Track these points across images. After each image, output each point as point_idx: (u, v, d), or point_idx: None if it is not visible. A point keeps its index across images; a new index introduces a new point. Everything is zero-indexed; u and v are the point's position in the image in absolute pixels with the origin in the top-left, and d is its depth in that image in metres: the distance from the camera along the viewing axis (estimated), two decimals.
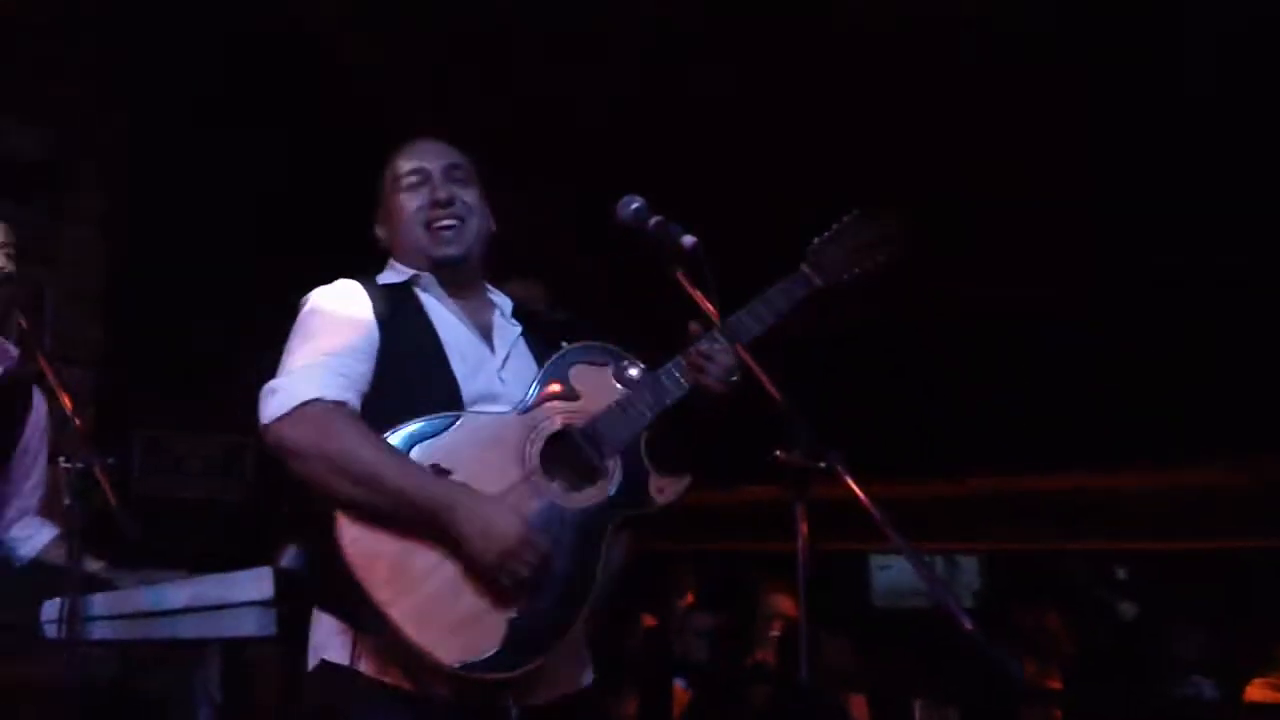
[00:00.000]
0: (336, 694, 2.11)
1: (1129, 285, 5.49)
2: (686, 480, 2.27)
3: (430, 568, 2.05)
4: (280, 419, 2.07)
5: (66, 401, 2.61)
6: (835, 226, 2.40)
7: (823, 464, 2.01)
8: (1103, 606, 7.45)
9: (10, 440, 3.00)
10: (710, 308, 2.18)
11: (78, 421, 2.53)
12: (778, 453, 2.11)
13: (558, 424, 2.22)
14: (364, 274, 2.36)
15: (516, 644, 2.04)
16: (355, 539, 2.03)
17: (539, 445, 2.19)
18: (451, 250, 2.34)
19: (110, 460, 2.44)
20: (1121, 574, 7.83)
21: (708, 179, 4.83)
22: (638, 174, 2.36)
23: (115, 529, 2.96)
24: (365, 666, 2.08)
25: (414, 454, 2.11)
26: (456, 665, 2.00)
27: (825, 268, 2.36)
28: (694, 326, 2.25)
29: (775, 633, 4.65)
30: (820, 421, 1.99)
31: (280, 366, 2.19)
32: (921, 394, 5.54)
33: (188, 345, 5.00)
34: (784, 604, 4.76)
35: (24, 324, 2.84)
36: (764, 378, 2.14)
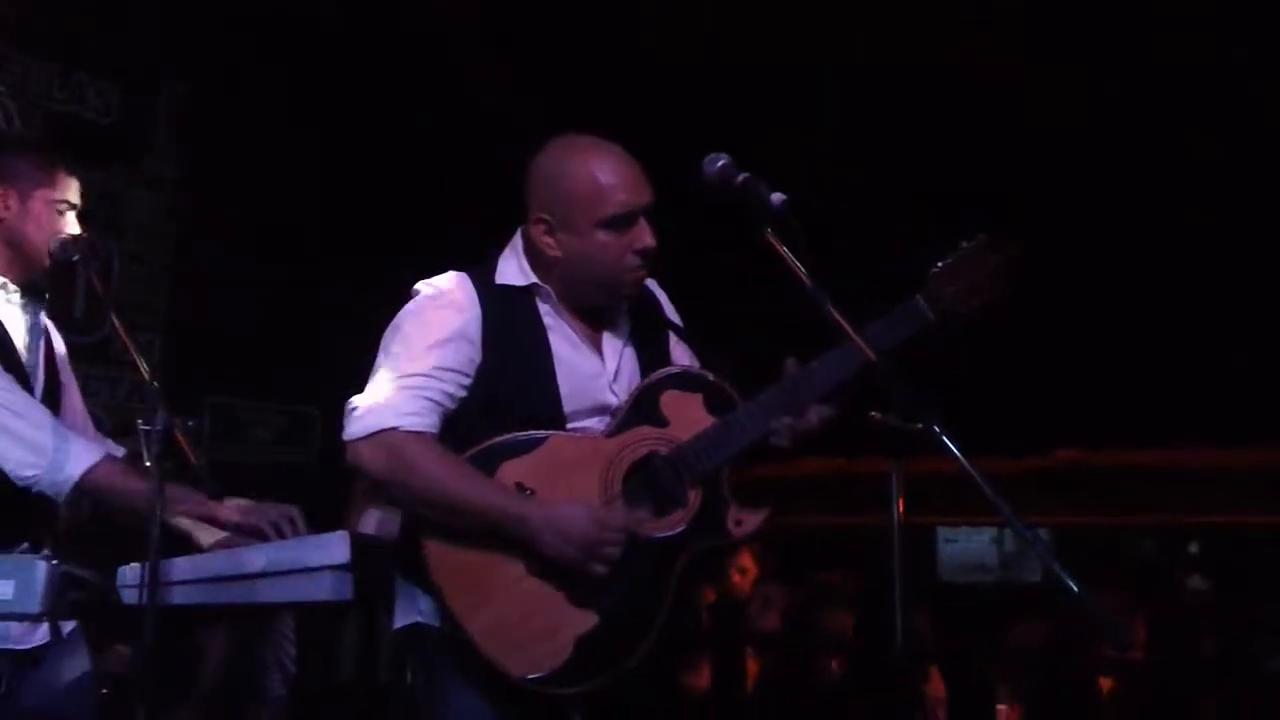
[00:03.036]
0: (427, 652, 2.19)
1: (1206, 261, 5.40)
2: (765, 514, 2.25)
3: (507, 585, 2.11)
4: (359, 442, 2.12)
5: (142, 365, 2.59)
6: (955, 255, 2.30)
7: (919, 425, 1.96)
8: (1174, 581, 7.34)
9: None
10: (800, 268, 2.12)
11: (155, 384, 2.50)
12: (873, 414, 2.07)
13: (643, 451, 2.22)
14: (477, 264, 2.31)
15: (580, 665, 2.09)
16: (437, 548, 2.11)
17: (622, 471, 2.20)
18: (633, 292, 2.32)
19: (189, 422, 2.43)
20: (1193, 548, 7.71)
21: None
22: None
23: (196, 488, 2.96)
24: (452, 628, 2.13)
25: (500, 472, 2.14)
26: (521, 678, 2.06)
27: (941, 301, 2.27)
28: (790, 366, 2.22)
29: (844, 604, 4.62)
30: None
31: (372, 371, 2.19)
32: (1001, 366, 5.47)
33: (254, 313, 5.00)
34: (850, 577, 4.74)
35: (97, 285, 2.79)
36: (858, 340, 2.09)
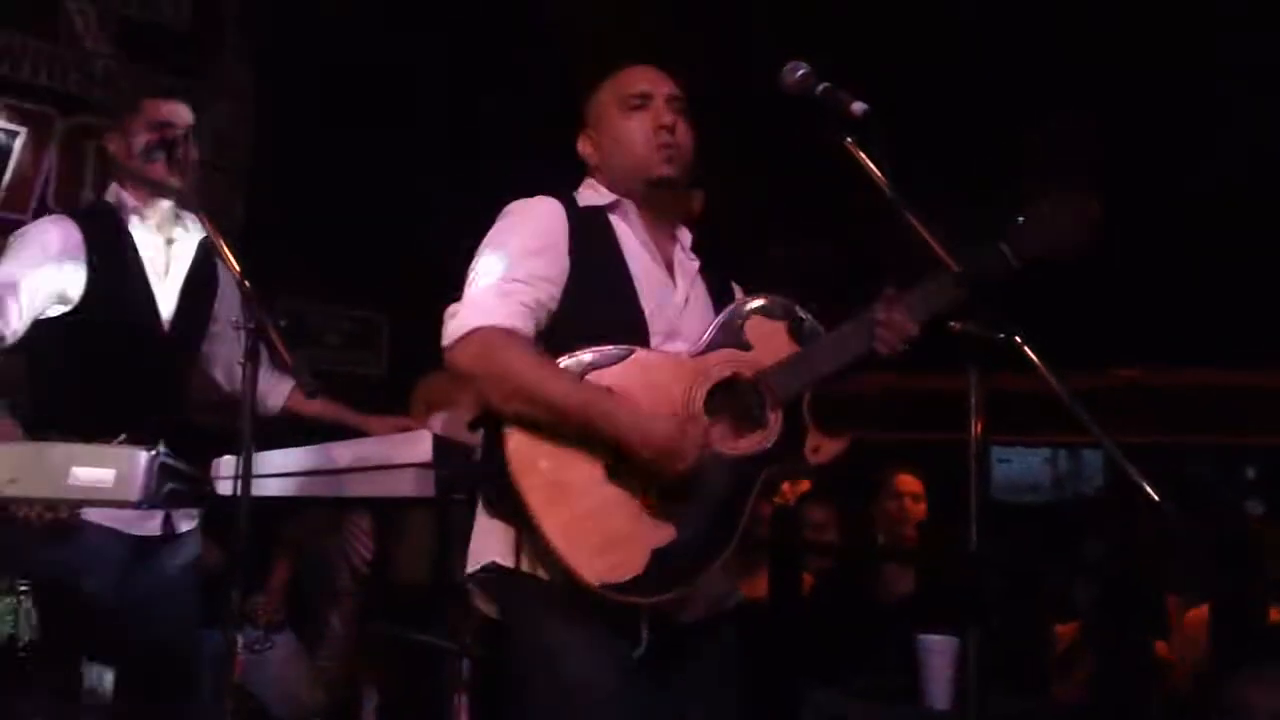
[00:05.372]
0: (502, 593, 2.24)
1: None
2: (845, 442, 2.29)
3: (586, 487, 2.13)
4: (455, 343, 2.16)
5: (235, 267, 2.68)
6: (1036, 207, 2.29)
7: (1001, 336, 2.00)
8: (1230, 503, 7.31)
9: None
10: (881, 177, 2.15)
11: (246, 284, 2.58)
12: (953, 324, 2.10)
13: (726, 372, 2.25)
14: (562, 189, 2.38)
15: (656, 575, 2.11)
16: (518, 448, 2.12)
17: (704, 390, 2.23)
18: (672, 170, 2.36)
19: (281, 321, 2.51)
20: (1250, 473, 7.67)
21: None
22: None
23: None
24: (526, 566, 2.17)
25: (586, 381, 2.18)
26: (596, 584, 2.08)
27: (1025, 249, 2.27)
28: (889, 293, 2.25)
29: (913, 521, 4.67)
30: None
31: (468, 280, 2.24)
32: (1060, 283, 5.43)
33: (327, 219, 5.05)
34: (912, 486, 4.78)
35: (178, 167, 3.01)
36: (938, 248, 2.11)
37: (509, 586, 2.22)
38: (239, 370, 2.47)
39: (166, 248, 3.09)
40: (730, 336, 2.28)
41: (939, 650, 2.86)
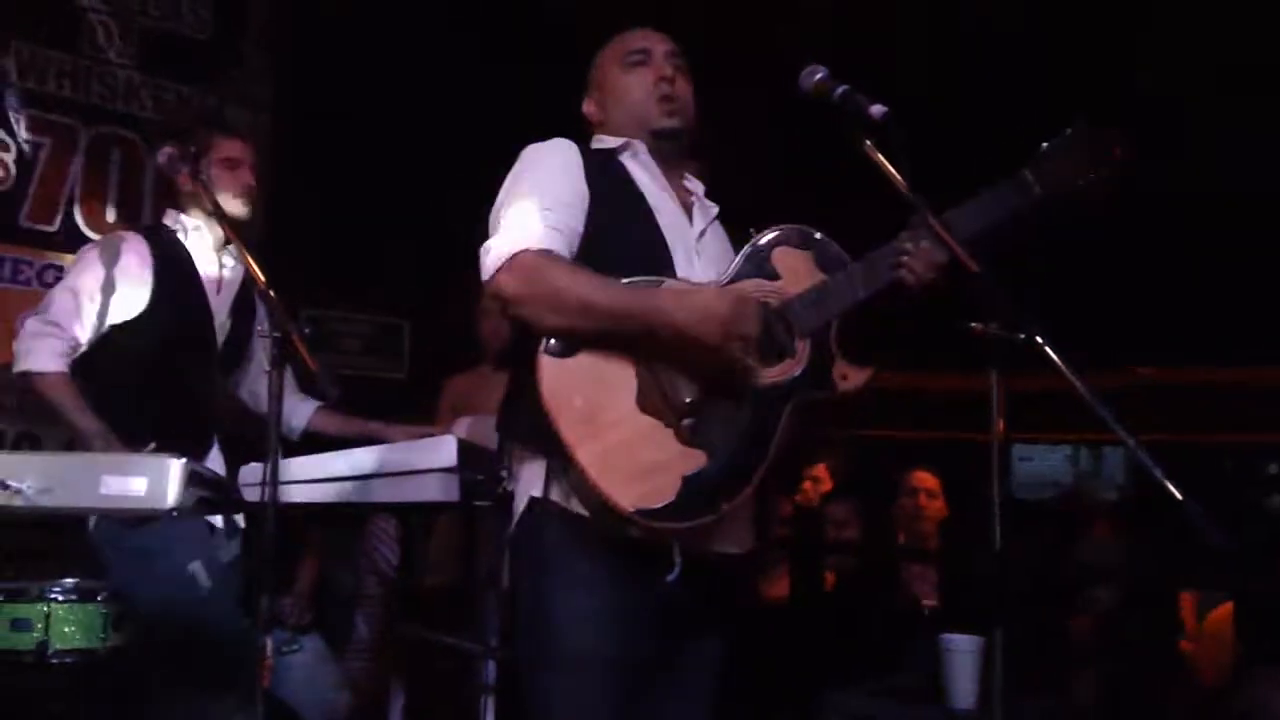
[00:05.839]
0: (535, 524, 2.24)
1: None
2: (870, 371, 2.29)
3: (621, 416, 2.13)
4: (496, 273, 2.17)
5: (258, 275, 2.71)
6: (1060, 137, 2.30)
7: (1022, 336, 2.00)
8: (1254, 501, 7.30)
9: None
10: (900, 179, 2.16)
11: (271, 292, 2.61)
12: (974, 325, 2.11)
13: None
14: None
15: (689, 500, 2.12)
16: (553, 380, 2.12)
17: None
18: (674, 122, 2.40)
19: (306, 330, 2.54)
20: (1273, 469, 7.66)
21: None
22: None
23: (315, 393, 3.11)
24: (557, 496, 2.19)
25: None
26: (631, 510, 2.09)
27: (1047, 178, 2.27)
28: (915, 220, 2.24)
29: (931, 518, 4.68)
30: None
31: (492, 218, 2.26)
32: (1080, 282, 5.43)
33: (347, 226, 5.09)
34: (927, 483, 4.79)
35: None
36: (958, 249, 2.12)
37: (538, 522, 2.23)
38: (263, 390, 2.54)
39: (220, 269, 3.33)
40: (757, 266, 2.30)
41: (963, 649, 2.87)
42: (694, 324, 2.10)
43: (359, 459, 2.90)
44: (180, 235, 3.30)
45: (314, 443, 3.32)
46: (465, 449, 2.84)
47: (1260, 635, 4.19)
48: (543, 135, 2.39)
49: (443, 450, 2.80)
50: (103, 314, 3.12)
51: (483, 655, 3.25)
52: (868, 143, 2.18)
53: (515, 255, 2.16)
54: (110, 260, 3.15)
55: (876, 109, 2.16)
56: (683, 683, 2.32)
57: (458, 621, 3.63)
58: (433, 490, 2.81)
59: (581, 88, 2.55)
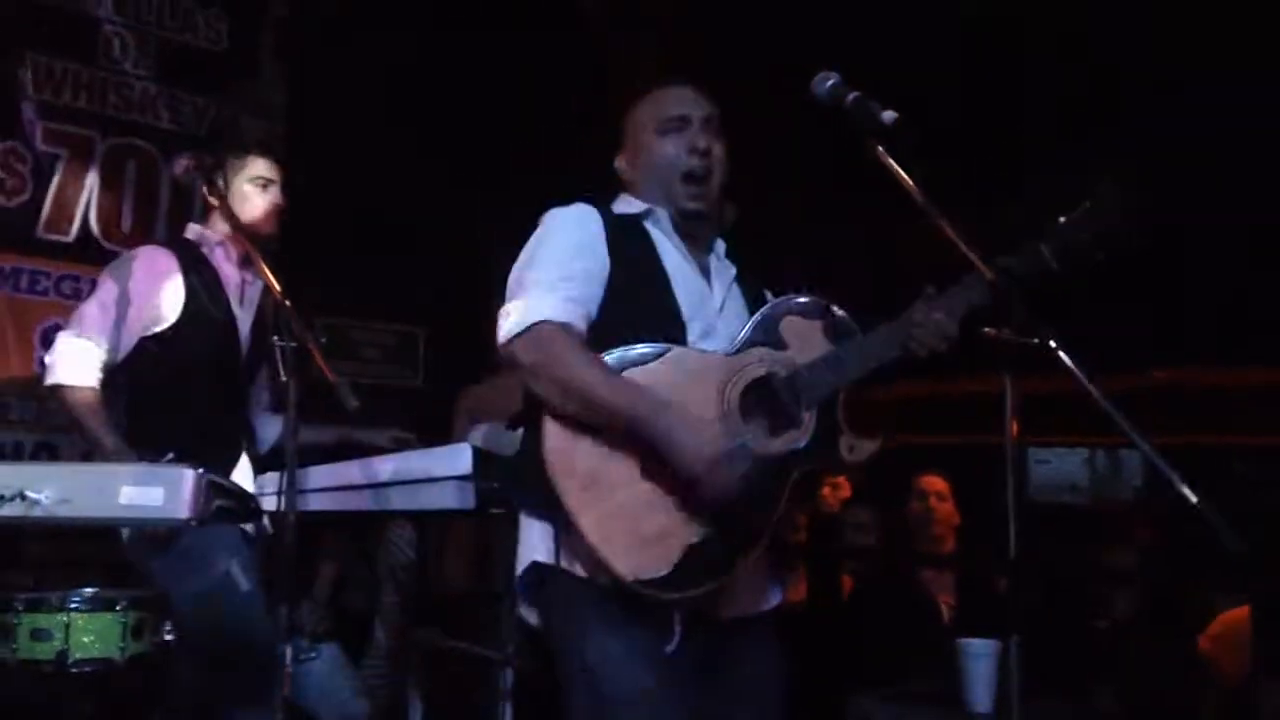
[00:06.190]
0: (542, 594, 2.28)
1: None
2: (878, 443, 2.30)
3: (622, 483, 2.15)
4: (512, 340, 2.19)
5: (275, 284, 2.73)
6: (1084, 207, 2.29)
7: (1036, 340, 2.00)
8: (1272, 504, 7.24)
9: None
10: (911, 185, 2.16)
11: (289, 303, 2.63)
12: (987, 330, 2.11)
13: (761, 370, 2.27)
14: (599, 198, 2.43)
15: (687, 569, 2.14)
16: (557, 447, 2.16)
17: (740, 388, 2.25)
18: (697, 205, 2.40)
19: (322, 339, 2.56)
20: None
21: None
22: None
23: (332, 401, 3.13)
24: (564, 563, 2.21)
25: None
26: (630, 579, 2.11)
27: (1066, 253, 2.27)
28: (927, 293, 2.26)
29: (942, 521, 4.67)
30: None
31: (515, 282, 2.28)
32: (1096, 283, 5.41)
33: (363, 235, 5.10)
34: (936, 486, 4.79)
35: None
36: (974, 256, 2.12)
37: (549, 586, 2.25)
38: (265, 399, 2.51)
39: (243, 282, 3.38)
40: (766, 335, 2.30)
41: (980, 653, 2.86)
42: (680, 453, 2.11)
43: (375, 467, 2.92)
44: (205, 250, 3.34)
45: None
46: (480, 456, 2.85)
47: (1277, 640, 4.17)
48: (560, 147, 2.40)
49: (459, 458, 2.82)
50: (135, 327, 3.17)
51: (500, 662, 3.26)
52: (880, 149, 2.19)
53: (533, 325, 2.18)
54: (143, 274, 3.21)
55: (888, 115, 2.17)
56: (741, 693, 2.32)
57: (475, 628, 3.64)
58: (449, 498, 2.83)
59: (604, 103, 2.55)
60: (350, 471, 2.95)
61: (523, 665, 3.18)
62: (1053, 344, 1.97)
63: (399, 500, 2.90)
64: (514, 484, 2.38)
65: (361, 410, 2.49)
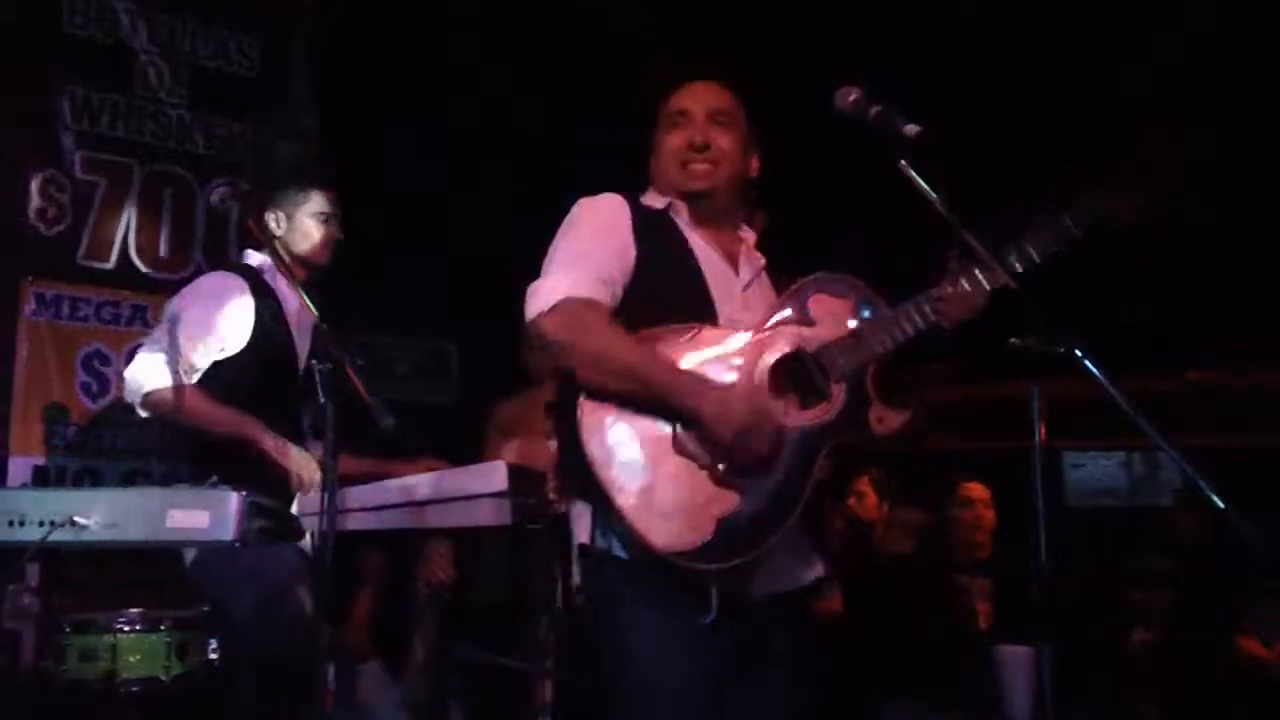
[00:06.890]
0: (588, 577, 2.32)
1: None
2: (908, 415, 2.31)
3: (657, 457, 2.19)
4: (541, 315, 2.24)
5: (311, 308, 2.78)
6: (1110, 170, 2.28)
7: (1061, 350, 2.02)
8: None
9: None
10: (934, 197, 2.18)
11: (324, 325, 2.68)
12: (1013, 340, 2.13)
13: (789, 347, 2.30)
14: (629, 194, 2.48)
15: (721, 542, 2.17)
16: (592, 423, 2.20)
17: (769, 363, 2.29)
18: (696, 184, 2.45)
19: (358, 360, 2.60)
20: None
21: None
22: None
23: (368, 422, 3.17)
24: (603, 542, 2.26)
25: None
26: (665, 550, 2.15)
27: (1088, 219, 2.26)
28: (954, 263, 2.27)
29: (985, 528, 4.68)
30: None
31: (545, 264, 2.34)
32: (1129, 286, 5.39)
33: (394, 251, 5.14)
34: (981, 493, 4.79)
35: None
36: (999, 270, 2.14)
37: (591, 569, 2.30)
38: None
39: (299, 308, 3.43)
40: (794, 312, 2.34)
41: (1017, 661, 2.87)
42: (709, 419, 2.16)
43: (412, 485, 2.96)
44: (268, 276, 3.44)
45: None
46: (515, 473, 2.89)
47: None
48: (592, 161, 2.45)
49: (494, 475, 2.86)
50: (206, 350, 3.26)
51: (539, 675, 3.29)
52: (902, 162, 2.21)
53: (561, 300, 2.23)
54: (216, 299, 3.31)
55: (911, 128, 2.19)
56: (771, 700, 2.35)
57: (514, 642, 3.67)
58: (485, 514, 2.87)
59: (629, 115, 2.61)
60: (388, 491, 2.99)
61: (562, 678, 3.21)
62: (1078, 353, 1.99)
63: (437, 518, 2.94)
64: (561, 477, 2.42)
65: (396, 428, 2.53)
